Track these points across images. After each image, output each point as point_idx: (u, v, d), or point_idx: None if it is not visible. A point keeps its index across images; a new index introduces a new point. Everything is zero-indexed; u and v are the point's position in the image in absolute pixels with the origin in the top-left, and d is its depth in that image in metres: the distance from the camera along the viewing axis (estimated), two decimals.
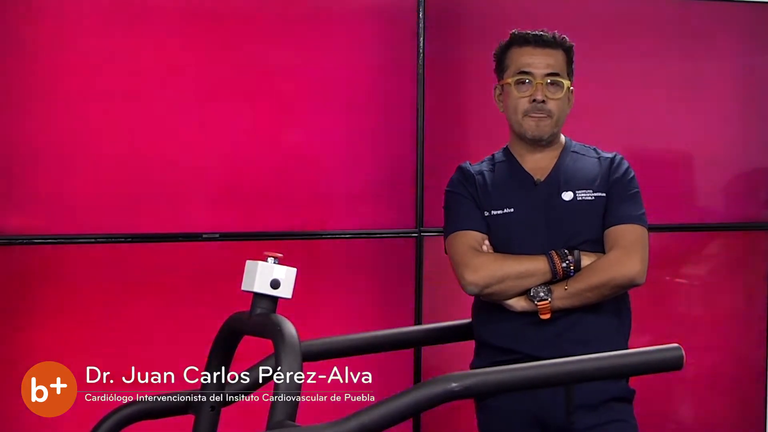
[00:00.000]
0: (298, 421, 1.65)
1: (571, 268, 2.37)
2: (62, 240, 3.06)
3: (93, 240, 3.09)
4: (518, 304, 2.39)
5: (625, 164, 2.51)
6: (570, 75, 2.52)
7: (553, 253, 2.38)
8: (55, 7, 3.05)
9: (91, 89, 3.08)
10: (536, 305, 2.36)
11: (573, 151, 2.54)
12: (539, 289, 2.37)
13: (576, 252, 2.38)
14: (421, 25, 3.37)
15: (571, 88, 2.52)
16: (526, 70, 2.46)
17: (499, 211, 2.47)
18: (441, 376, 1.75)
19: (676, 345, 1.94)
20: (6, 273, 3.04)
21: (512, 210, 2.46)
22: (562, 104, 2.49)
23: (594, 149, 2.57)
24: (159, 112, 3.16)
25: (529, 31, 2.50)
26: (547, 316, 2.37)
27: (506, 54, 2.52)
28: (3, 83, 3.01)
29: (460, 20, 3.45)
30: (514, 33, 2.53)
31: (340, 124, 3.34)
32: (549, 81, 2.45)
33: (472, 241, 2.44)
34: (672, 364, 1.93)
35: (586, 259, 2.38)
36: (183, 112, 3.19)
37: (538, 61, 2.46)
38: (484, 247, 2.44)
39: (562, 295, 2.36)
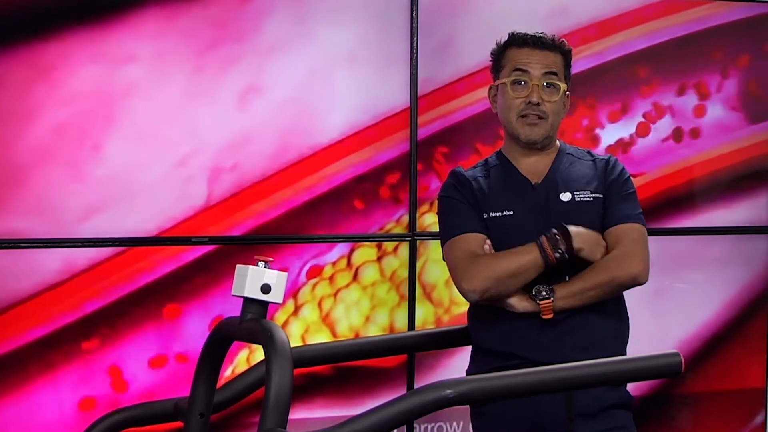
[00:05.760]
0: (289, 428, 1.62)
1: (562, 249, 2.32)
2: (48, 244, 3.03)
3: (80, 244, 3.06)
4: (520, 304, 2.35)
5: (620, 166, 2.49)
6: (567, 79, 2.49)
7: (544, 239, 2.33)
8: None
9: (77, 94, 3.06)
10: (538, 304, 2.33)
11: (568, 154, 2.51)
12: (541, 288, 2.33)
13: (564, 227, 2.32)
14: (414, 24, 3.34)
15: (567, 92, 2.49)
16: (523, 68, 2.43)
17: (498, 213, 2.43)
18: (435, 382, 1.73)
19: (674, 351, 1.93)
20: None
21: (511, 212, 2.42)
22: (558, 107, 2.45)
23: (588, 152, 2.54)
24: (144, 115, 3.13)
25: (528, 32, 2.47)
26: (550, 315, 2.33)
27: (503, 54, 2.49)
28: None
29: (454, 19, 3.42)
30: (512, 33, 2.50)
31: (335, 124, 3.31)
32: (545, 83, 2.42)
33: (471, 244, 2.40)
34: (671, 370, 1.91)
35: (574, 229, 2.33)
36: (169, 113, 3.16)
37: (536, 62, 2.43)
38: (486, 247, 2.40)
39: (564, 294, 2.33)
